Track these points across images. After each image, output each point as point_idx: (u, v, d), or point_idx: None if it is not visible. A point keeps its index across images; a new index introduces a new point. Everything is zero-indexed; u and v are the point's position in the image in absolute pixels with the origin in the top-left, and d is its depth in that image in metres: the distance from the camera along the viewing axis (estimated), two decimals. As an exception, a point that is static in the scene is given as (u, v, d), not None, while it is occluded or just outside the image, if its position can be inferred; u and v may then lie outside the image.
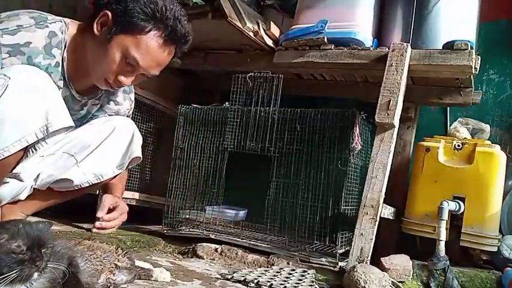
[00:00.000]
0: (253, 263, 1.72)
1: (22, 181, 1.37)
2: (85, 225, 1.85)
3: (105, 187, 1.76)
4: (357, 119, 1.87)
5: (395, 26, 2.07)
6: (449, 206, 1.74)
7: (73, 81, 1.43)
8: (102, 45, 1.33)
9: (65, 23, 1.38)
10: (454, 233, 1.84)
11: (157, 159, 2.51)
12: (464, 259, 1.85)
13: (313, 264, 1.72)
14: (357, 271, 1.41)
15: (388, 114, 1.75)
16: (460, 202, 1.82)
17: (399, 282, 1.52)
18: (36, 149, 1.29)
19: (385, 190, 1.71)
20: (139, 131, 1.68)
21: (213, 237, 1.91)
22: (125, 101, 1.68)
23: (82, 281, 0.94)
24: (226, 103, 2.11)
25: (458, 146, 1.93)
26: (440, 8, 1.99)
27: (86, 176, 1.50)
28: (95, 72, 1.38)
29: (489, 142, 1.93)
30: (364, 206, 1.68)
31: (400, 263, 1.58)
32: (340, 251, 1.83)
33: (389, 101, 1.76)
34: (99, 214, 1.69)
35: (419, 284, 1.59)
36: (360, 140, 1.89)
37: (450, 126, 2.25)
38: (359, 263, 1.58)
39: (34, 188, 1.46)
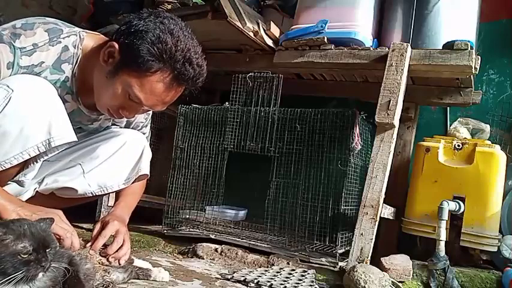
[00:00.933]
0: (253, 263, 1.72)
1: (23, 186, 1.37)
2: (85, 225, 1.86)
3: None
4: (357, 119, 1.87)
5: (395, 26, 2.08)
6: (449, 206, 1.74)
7: (83, 96, 1.39)
8: (107, 76, 1.27)
9: (80, 36, 1.33)
10: (454, 233, 1.84)
11: (157, 159, 2.51)
12: (464, 259, 1.85)
13: (313, 264, 1.72)
14: (357, 271, 1.41)
15: (388, 114, 1.75)
16: (460, 202, 1.82)
17: (399, 282, 1.52)
18: (37, 161, 1.28)
19: (385, 190, 1.71)
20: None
21: (213, 237, 1.91)
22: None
23: (82, 280, 0.95)
24: (226, 103, 2.11)
25: (458, 146, 1.93)
26: (440, 8, 1.99)
27: (90, 187, 1.49)
28: (99, 101, 1.33)
29: (489, 142, 1.93)
30: (364, 206, 1.68)
31: (400, 263, 1.58)
32: (340, 251, 1.83)
33: (389, 101, 1.76)
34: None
35: (419, 284, 1.59)
36: (359, 140, 1.89)
37: (450, 126, 2.25)
38: (359, 263, 1.58)
39: (37, 192, 1.46)
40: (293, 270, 1.61)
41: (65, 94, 1.35)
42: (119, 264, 1.22)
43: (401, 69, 1.81)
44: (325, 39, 2.01)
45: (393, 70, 1.82)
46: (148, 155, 1.59)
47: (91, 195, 1.51)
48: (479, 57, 1.88)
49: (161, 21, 1.23)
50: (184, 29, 1.26)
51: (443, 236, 1.64)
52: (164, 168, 2.31)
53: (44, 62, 1.25)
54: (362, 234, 1.65)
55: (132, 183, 1.58)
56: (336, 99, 2.58)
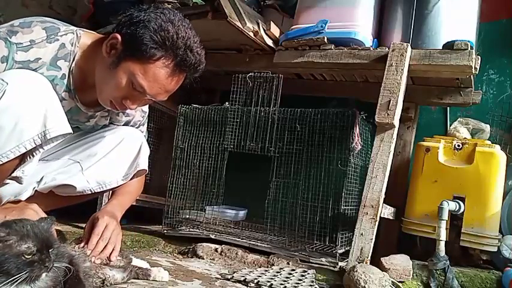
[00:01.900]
0: (253, 263, 1.72)
1: (21, 184, 1.37)
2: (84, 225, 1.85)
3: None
4: (356, 119, 1.87)
5: (395, 26, 2.08)
6: (449, 206, 1.74)
7: (80, 94, 1.40)
8: (110, 67, 1.29)
9: (77, 34, 1.35)
10: (454, 233, 1.84)
11: (157, 159, 2.51)
12: (464, 259, 1.85)
13: (313, 264, 1.72)
14: (357, 271, 1.41)
15: (388, 114, 1.75)
16: (460, 202, 1.82)
17: (399, 282, 1.52)
18: (34, 155, 1.28)
19: (385, 190, 1.71)
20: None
21: (213, 237, 1.91)
22: (137, 112, 1.63)
23: (82, 279, 0.95)
24: (226, 103, 2.11)
25: (458, 146, 1.93)
26: (440, 8, 1.99)
27: (89, 184, 1.49)
28: (101, 94, 1.35)
29: (489, 142, 1.93)
30: (364, 206, 1.68)
31: (400, 263, 1.58)
32: (340, 251, 1.83)
33: (389, 101, 1.76)
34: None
35: (419, 284, 1.59)
36: (359, 140, 1.89)
37: (450, 126, 2.25)
38: (359, 263, 1.58)
39: (36, 191, 1.46)
40: (293, 270, 1.61)
41: (62, 92, 1.35)
42: (109, 261, 1.22)
43: (401, 69, 1.81)
44: (325, 39, 2.01)
45: (393, 70, 1.82)
46: (146, 150, 1.60)
47: (90, 192, 1.51)
48: (479, 57, 1.88)
49: (161, 11, 1.28)
50: (183, 20, 1.31)
51: (443, 236, 1.64)
52: (164, 168, 2.32)
53: (40, 59, 1.26)
54: (362, 234, 1.65)
55: (131, 179, 1.59)
56: (336, 99, 2.58)
